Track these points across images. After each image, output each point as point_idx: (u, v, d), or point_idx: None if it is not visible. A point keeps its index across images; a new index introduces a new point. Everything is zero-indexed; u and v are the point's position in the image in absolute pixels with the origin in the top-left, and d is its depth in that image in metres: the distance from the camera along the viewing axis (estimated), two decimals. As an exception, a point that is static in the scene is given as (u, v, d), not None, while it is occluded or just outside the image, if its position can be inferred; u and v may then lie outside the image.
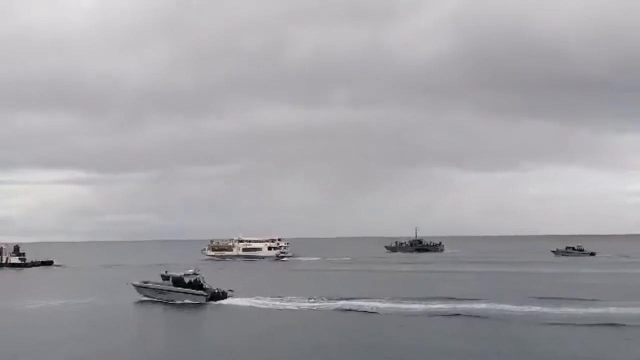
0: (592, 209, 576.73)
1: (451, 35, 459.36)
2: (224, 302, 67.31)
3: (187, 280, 71.40)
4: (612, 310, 54.33)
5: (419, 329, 49.74)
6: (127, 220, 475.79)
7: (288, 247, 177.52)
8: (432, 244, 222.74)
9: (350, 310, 59.12)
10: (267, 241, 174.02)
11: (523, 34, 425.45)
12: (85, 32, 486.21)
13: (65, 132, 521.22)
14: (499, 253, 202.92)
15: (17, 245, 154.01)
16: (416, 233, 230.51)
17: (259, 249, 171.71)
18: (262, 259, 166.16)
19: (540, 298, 64.10)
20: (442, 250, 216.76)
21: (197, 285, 70.39)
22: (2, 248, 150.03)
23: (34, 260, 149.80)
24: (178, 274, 72.53)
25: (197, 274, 71.90)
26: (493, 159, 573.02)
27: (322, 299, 65.76)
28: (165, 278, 73.06)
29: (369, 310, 58.47)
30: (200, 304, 67.05)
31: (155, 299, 71.39)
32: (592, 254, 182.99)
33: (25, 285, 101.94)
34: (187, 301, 68.57)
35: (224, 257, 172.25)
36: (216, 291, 69.34)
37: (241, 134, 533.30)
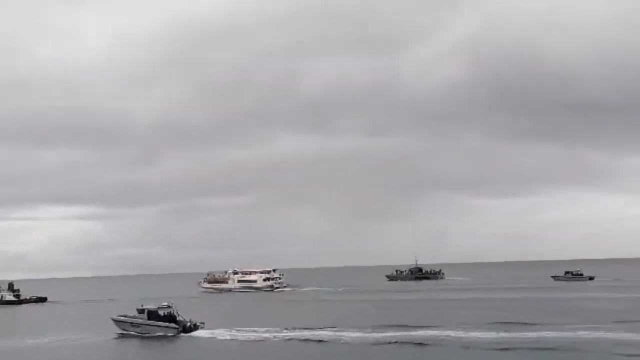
0: (608, 232, 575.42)
1: (462, 61, 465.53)
2: (194, 333, 70.60)
3: (161, 313, 74.82)
4: (555, 334, 57.26)
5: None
6: (137, 254, 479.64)
7: (282, 277, 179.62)
8: (432, 272, 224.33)
9: (307, 340, 61.98)
10: (262, 272, 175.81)
11: (535, 58, 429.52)
12: (100, 66, 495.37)
13: (79, 167, 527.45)
14: (500, 279, 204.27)
15: (11, 282, 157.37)
16: (416, 261, 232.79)
17: (254, 281, 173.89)
18: (257, 290, 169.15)
19: (497, 323, 66.88)
20: (441, 278, 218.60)
21: (170, 317, 73.67)
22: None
23: (28, 297, 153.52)
24: (152, 307, 76.02)
25: (170, 307, 75.15)
26: (507, 184, 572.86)
27: (288, 329, 68.75)
28: (141, 311, 76.12)
29: (324, 339, 61.76)
30: (172, 336, 70.50)
31: (132, 332, 74.68)
32: (591, 278, 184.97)
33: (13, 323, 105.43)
34: (159, 333, 71.89)
35: (219, 290, 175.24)
36: (188, 323, 72.63)
37: (253, 164, 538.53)
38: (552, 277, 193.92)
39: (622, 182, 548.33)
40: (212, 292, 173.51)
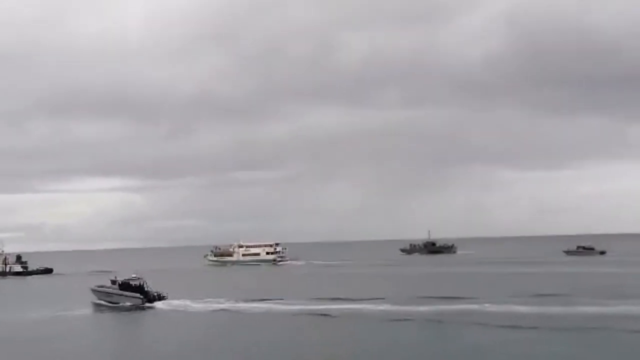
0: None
1: (502, 33, 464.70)
2: (158, 303, 76.86)
3: (132, 284, 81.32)
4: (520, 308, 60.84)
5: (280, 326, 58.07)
6: (177, 225, 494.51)
7: (285, 251, 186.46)
8: (445, 246, 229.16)
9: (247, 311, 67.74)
10: (265, 246, 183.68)
11: (574, 30, 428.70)
12: (135, 42, 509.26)
13: (117, 140, 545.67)
14: (513, 254, 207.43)
15: (19, 254, 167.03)
16: (429, 235, 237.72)
17: (257, 254, 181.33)
18: (260, 263, 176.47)
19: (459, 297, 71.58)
20: (454, 252, 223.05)
21: (139, 288, 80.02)
22: (6, 257, 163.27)
23: (35, 269, 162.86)
24: (124, 279, 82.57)
25: (140, 279, 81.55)
26: (543, 157, 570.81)
27: (245, 300, 74.57)
28: (113, 282, 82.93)
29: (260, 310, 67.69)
30: (139, 305, 76.94)
31: (104, 301, 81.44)
32: (602, 253, 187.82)
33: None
34: (127, 303, 78.29)
35: (224, 262, 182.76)
36: (154, 294, 78.95)
37: (291, 138, 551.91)
38: (564, 251, 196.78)
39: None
40: (217, 265, 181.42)
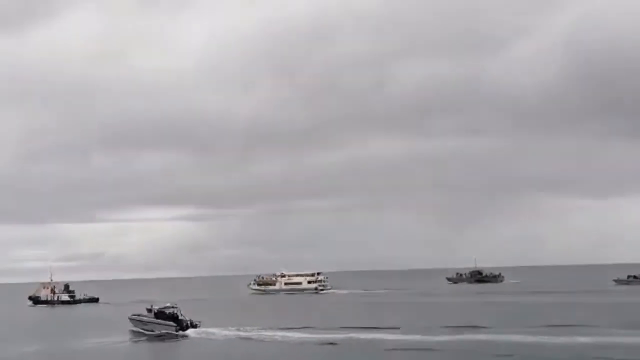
0: None
1: (560, 61, 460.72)
2: (191, 330, 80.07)
3: (167, 312, 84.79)
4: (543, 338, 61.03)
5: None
6: (234, 254, 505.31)
7: (327, 280, 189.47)
8: (491, 275, 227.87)
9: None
10: (307, 275, 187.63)
11: (635, 53, 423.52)
12: (196, 74, 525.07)
13: (175, 170, 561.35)
14: (561, 282, 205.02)
15: (67, 284, 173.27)
16: (475, 263, 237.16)
17: (299, 283, 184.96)
18: (302, 292, 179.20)
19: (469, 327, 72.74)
20: (501, 281, 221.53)
21: (173, 317, 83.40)
22: (54, 286, 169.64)
23: (81, 297, 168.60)
24: (159, 307, 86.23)
25: (175, 307, 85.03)
26: (603, 185, 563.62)
27: (283, 329, 76.92)
28: (149, 311, 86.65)
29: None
30: (173, 332, 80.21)
31: (140, 329, 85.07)
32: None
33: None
34: (162, 331, 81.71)
35: (267, 291, 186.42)
36: (188, 322, 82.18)
37: (346, 167, 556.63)
38: (614, 280, 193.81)
39: None
40: (260, 294, 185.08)
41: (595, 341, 58.51)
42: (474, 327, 72.02)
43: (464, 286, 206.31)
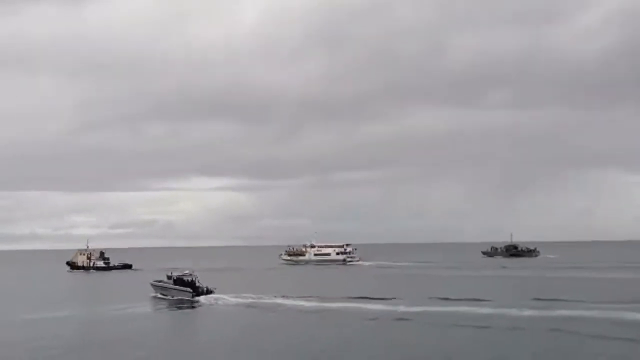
0: None
1: (618, 31, 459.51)
2: (205, 296, 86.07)
3: (185, 279, 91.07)
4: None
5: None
6: (281, 225, 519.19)
7: (355, 251, 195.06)
8: (526, 249, 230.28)
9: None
10: (335, 246, 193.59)
11: None
12: (248, 47, 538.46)
13: (227, 141, 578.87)
14: (597, 259, 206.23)
15: (102, 250, 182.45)
16: (511, 238, 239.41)
17: (328, 254, 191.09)
18: (331, 263, 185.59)
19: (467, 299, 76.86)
20: (536, 256, 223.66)
21: (191, 283, 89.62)
22: (90, 253, 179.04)
23: (115, 264, 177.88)
24: (178, 275, 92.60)
25: (192, 275, 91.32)
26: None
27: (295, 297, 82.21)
28: (169, 278, 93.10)
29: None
30: (189, 298, 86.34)
31: (160, 294, 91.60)
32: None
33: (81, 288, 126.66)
34: (179, 297, 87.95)
35: (297, 262, 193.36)
36: (204, 288, 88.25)
37: (396, 139, 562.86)
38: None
39: None
40: (290, 264, 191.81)
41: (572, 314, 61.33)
42: (454, 300, 76.09)
43: (497, 260, 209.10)
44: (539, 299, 75.36)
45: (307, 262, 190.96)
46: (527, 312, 63.10)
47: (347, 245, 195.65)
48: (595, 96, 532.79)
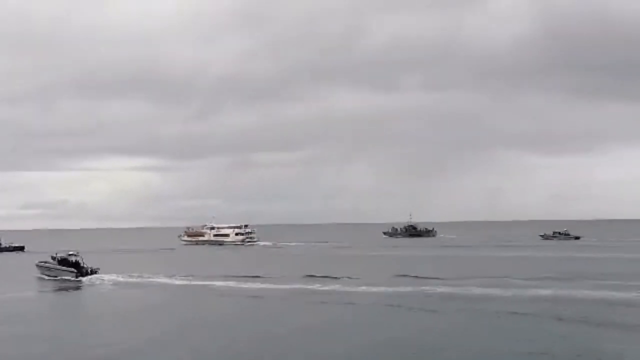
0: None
1: (530, 18, 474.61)
2: (88, 277, 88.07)
3: (70, 259, 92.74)
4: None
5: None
6: (197, 205, 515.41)
7: (254, 232, 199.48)
8: (425, 230, 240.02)
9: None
10: (234, 227, 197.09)
11: (604, 14, 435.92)
12: (166, 24, 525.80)
13: (144, 120, 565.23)
14: (496, 238, 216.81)
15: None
16: (410, 218, 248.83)
17: (227, 235, 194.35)
18: (230, 244, 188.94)
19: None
20: (434, 235, 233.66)
21: (75, 264, 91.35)
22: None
23: (7, 246, 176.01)
24: (63, 255, 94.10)
25: (77, 255, 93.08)
26: (567, 142, 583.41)
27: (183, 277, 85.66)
28: (53, 258, 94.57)
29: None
30: (73, 278, 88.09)
31: (45, 275, 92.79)
32: (577, 238, 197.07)
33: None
34: (63, 277, 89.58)
35: (197, 242, 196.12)
36: (88, 269, 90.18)
37: (314, 119, 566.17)
38: (541, 235, 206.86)
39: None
40: (190, 244, 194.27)
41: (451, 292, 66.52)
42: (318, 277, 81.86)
43: (397, 240, 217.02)
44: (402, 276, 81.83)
45: (206, 242, 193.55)
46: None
47: (245, 226, 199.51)
48: (507, 80, 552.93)
